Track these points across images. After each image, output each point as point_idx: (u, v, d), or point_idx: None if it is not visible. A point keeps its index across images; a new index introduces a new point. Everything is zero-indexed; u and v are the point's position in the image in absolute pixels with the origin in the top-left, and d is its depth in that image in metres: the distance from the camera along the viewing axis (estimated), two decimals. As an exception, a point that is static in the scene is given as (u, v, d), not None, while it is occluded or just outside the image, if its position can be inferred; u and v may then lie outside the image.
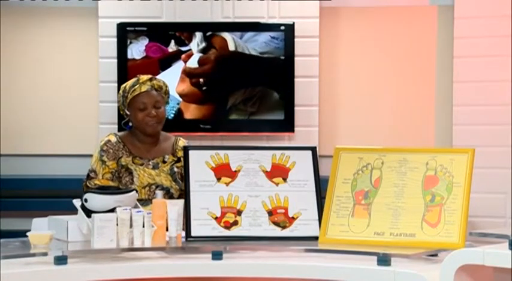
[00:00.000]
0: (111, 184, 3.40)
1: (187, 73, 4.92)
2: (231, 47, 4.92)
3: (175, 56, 4.93)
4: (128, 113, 3.52)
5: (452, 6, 4.98)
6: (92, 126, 5.06)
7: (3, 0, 5.07)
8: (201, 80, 4.92)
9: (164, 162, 3.50)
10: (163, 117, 3.52)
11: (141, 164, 3.46)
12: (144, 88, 3.48)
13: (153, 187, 3.43)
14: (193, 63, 4.93)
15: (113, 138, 3.51)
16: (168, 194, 3.45)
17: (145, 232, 2.84)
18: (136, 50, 4.92)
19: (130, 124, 3.56)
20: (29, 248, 2.79)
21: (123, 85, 3.56)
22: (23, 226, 3.42)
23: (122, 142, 3.50)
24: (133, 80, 3.53)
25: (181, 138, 3.65)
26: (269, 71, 4.94)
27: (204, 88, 4.91)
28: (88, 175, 3.46)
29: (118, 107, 3.60)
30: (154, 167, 3.48)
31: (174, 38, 4.93)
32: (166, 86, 3.55)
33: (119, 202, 2.89)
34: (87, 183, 3.44)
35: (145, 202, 3.32)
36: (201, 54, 4.92)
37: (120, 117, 4.80)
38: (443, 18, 5.07)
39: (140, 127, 3.50)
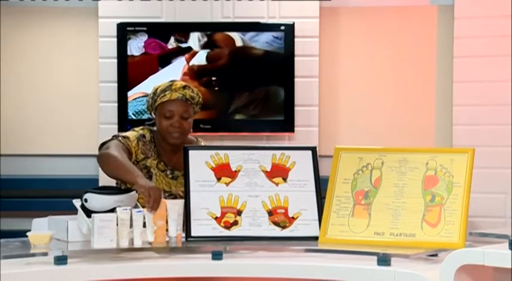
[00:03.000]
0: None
1: (191, 77, 4.89)
2: (239, 44, 4.91)
3: (175, 53, 4.92)
4: (153, 116, 3.46)
5: (452, 6, 4.98)
6: (92, 126, 5.05)
7: (3, 0, 5.07)
8: (209, 85, 4.89)
9: None
10: (189, 129, 3.43)
11: (163, 171, 3.41)
12: (174, 96, 3.37)
13: (166, 194, 3.37)
14: (198, 64, 4.91)
15: (148, 135, 3.42)
16: (171, 196, 3.42)
17: (145, 232, 2.84)
18: (135, 46, 4.91)
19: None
20: (29, 248, 2.79)
21: (156, 86, 3.44)
22: (23, 226, 3.43)
23: (153, 142, 3.43)
24: (167, 84, 3.41)
25: (202, 141, 3.60)
26: (269, 72, 4.94)
27: (211, 91, 4.89)
28: (118, 135, 3.38)
29: (147, 107, 3.50)
30: (173, 178, 3.42)
31: (174, 36, 4.92)
32: (199, 97, 3.43)
33: (119, 202, 2.89)
34: (116, 134, 3.39)
35: None
36: (207, 55, 4.90)
37: (121, 116, 4.85)
38: (443, 18, 5.06)
39: (162, 135, 3.42)
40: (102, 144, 3.36)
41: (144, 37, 4.91)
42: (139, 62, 4.83)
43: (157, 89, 3.43)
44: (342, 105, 5.15)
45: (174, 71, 4.89)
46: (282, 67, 4.92)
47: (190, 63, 4.91)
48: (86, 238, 2.88)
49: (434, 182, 2.85)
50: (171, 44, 4.92)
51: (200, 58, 4.92)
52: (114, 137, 3.39)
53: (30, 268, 2.60)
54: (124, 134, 3.41)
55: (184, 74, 4.91)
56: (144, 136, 3.42)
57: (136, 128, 3.47)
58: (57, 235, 2.93)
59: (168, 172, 3.42)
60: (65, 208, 3.14)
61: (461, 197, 2.78)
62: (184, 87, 3.41)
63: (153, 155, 3.41)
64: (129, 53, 4.89)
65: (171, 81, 3.45)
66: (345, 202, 2.95)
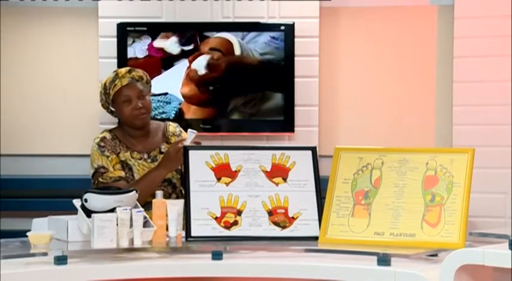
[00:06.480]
0: (123, 174, 3.38)
1: (193, 79, 4.89)
2: (237, 50, 4.91)
3: (178, 56, 4.92)
4: (113, 109, 3.48)
5: (452, 6, 4.98)
6: (92, 126, 5.05)
7: (3, 0, 5.07)
8: (211, 87, 4.90)
9: (161, 153, 3.46)
10: (150, 107, 3.48)
11: (140, 159, 3.44)
12: (125, 81, 3.42)
13: None
14: (200, 67, 4.91)
15: (108, 135, 3.47)
16: (171, 185, 3.44)
17: (145, 232, 2.84)
18: (139, 49, 4.91)
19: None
20: (29, 248, 2.79)
21: (102, 82, 3.49)
22: (23, 226, 3.43)
23: (117, 138, 3.47)
24: (112, 75, 3.46)
25: (170, 123, 3.62)
26: (269, 72, 4.93)
27: (212, 92, 4.89)
28: (95, 173, 3.41)
29: (102, 106, 3.53)
30: (153, 160, 3.45)
31: (177, 38, 4.92)
32: (146, 76, 3.50)
33: (119, 202, 2.89)
34: (100, 179, 3.38)
35: (147, 204, 3.26)
36: (208, 58, 4.89)
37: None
38: (443, 18, 5.06)
39: (128, 121, 3.45)
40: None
41: (148, 40, 4.91)
42: (143, 65, 4.81)
43: (104, 83, 3.47)
44: (342, 105, 5.14)
45: (178, 74, 4.89)
46: (282, 67, 4.92)
47: (193, 66, 4.91)
48: (86, 238, 2.88)
49: (434, 182, 2.85)
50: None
51: (202, 61, 4.92)
52: (98, 183, 3.40)
53: (30, 268, 2.60)
54: (97, 167, 3.42)
55: (187, 76, 4.91)
56: (104, 138, 3.46)
57: (96, 139, 3.49)
58: (57, 235, 2.93)
59: (145, 157, 3.45)
60: (65, 208, 3.14)
61: (461, 197, 2.79)
62: (129, 71, 3.46)
63: (122, 149, 3.44)
64: (132, 55, 4.90)
65: (114, 71, 3.50)
66: (345, 202, 2.95)
